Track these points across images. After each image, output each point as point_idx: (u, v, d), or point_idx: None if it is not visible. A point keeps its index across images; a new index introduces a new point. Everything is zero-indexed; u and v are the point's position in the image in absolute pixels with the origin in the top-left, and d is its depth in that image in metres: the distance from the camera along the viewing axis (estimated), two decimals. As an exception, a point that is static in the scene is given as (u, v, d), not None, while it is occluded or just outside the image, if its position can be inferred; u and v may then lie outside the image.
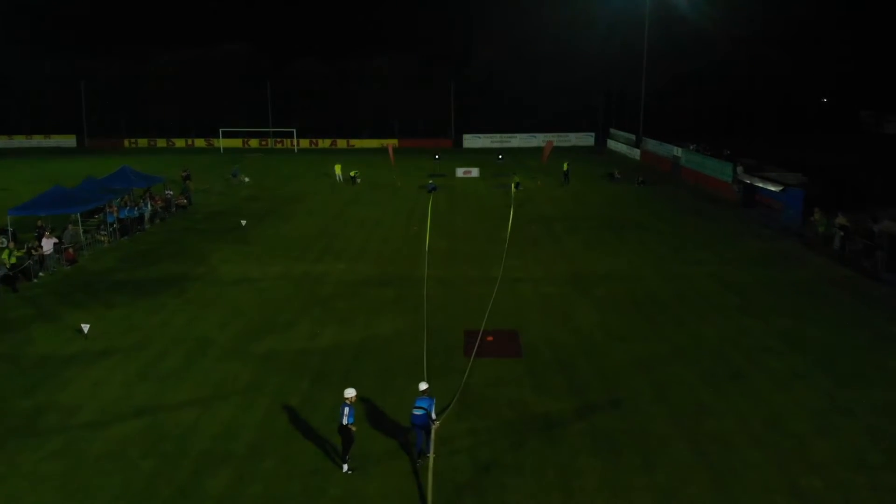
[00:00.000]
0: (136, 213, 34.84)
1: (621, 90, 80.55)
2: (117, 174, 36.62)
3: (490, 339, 20.12)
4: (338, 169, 52.03)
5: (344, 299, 23.91)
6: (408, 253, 30.30)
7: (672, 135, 61.35)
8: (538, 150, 68.50)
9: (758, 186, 37.53)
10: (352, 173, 50.93)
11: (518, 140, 77.34)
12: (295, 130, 76.84)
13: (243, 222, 35.94)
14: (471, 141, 78.42)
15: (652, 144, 61.45)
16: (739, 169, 41.59)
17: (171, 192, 40.09)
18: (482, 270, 27.42)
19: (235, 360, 18.93)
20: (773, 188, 35.38)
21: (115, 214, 33.31)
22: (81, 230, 31.05)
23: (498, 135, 78.12)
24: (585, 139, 79.36)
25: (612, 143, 74.56)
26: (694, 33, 74.27)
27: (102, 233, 32.48)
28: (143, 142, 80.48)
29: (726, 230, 34.71)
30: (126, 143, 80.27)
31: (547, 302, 23.56)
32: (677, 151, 53.35)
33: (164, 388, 17.31)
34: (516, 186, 46.45)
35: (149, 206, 36.40)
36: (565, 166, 50.33)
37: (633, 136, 68.57)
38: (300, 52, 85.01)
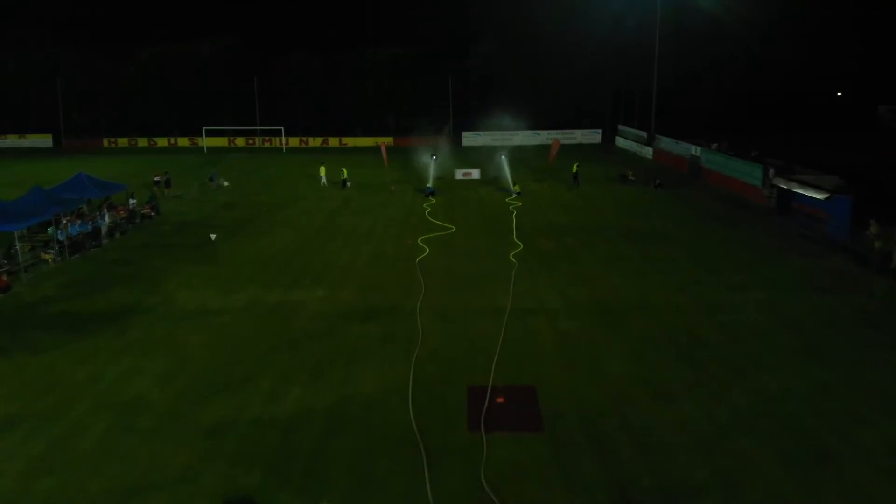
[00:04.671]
0: (89, 227, 30.45)
1: (629, 85, 76.21)
2: (71, 182, 32.23)
3: (500, 400, 15.84)
4: (322, 171, 47.65)
5: (319, 340, 19.59)
6: (400, 275, 25.96)
7: (682, 132, 57.19)
8: (541, 147, 64.25)
9: (796, 192, 33.21)
10: (343, 176, 46.61)
11: (520, 138, 72.75)
12: (283, 129, 72.43)
13: (213, 236, 31.58)
14: (470, 139, 74.06)
15: (666, 143, 57.10)
16: (771, 172, 37.28)
17: (135, 202, 35.74)
18: (487, 298, 23.12)
19: (171, 435, 14.62)
20: (816, 195, 31.07)
21: (65, 230, 28.95)
22: (20, 249, 26.70)
23: (499, 132, 73.64)
24: (591, 136, 75.02)
25: (620, 141, 70.20)
26: (703, 26, 69.92)
27: (48, 251, 28.12)
28: (123, 141, 76.09)
29: (764, 244, 30.41)
30: (105, 142, 75.90)
31: (568, 343, 19.25)
32: (696, 151, 49.02)
33: (71, 480, 13.02)
34: (517, 194, 42.20)
35: (106, 218, 32.03)
36: (574, 168, 46.04)
37: (643, 134, 64.17)
38: (289, 45, 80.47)
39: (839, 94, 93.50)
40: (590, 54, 73.83)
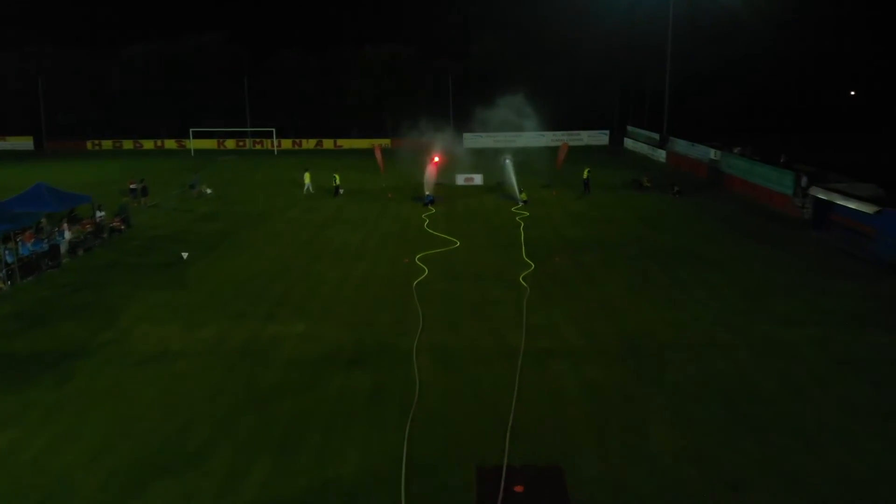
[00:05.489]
0: (45, 245, 27.01)
1: (638, 84, 72.71)
2: (27, 194, 28.63)
3: (519, 489, 12.43)
4: (307, 178, 44.16)
5: (294, 395, 16.15)
6: (395, 303, 22.55)
7: (694, 133, 53.90)
8: (546, 149, 60.87)
9: (837, 204, 29.77)
10: (335, 182, 43.15)
11: (524, 139, 69.22)
12: (274, 130, 68.95)
13: (184, 255, 28.12)
14: (472, 140, 70.48)
15: (681, 145, 53.62)
16: (804, 180, 33.87)
17: (103, 214, 32.29)
18: (496, 334, 19.71)
19: (91, 544, 11.23)
20: (862, 208, 27.63)
21: (15, 251, 25.50)
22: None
23: (502, 134, 70.06)
24: (599, 138, 71.58)
25: (629, 143, 66.77)
26: (715, 23, 66.33)
27: (-5, 275, 24.68)
28: (107, 144, 72.62)
29: (805, 264, 26.98)
30: (89, 145, 72.43)
31: (598, 400, 15.81)
32: (715, 154, 45.58)
33: None
34: (524, 202, 38.94)
35: (66, 234, 28.59)
36: (585, 174, 42.59)
37: (655, 136, 60.63)
38: (282, 42, 76.98)
39: (852, 93, 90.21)
40: (596, 51, 70.36)
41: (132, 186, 40.38)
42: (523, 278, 24.95)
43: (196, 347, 19.06)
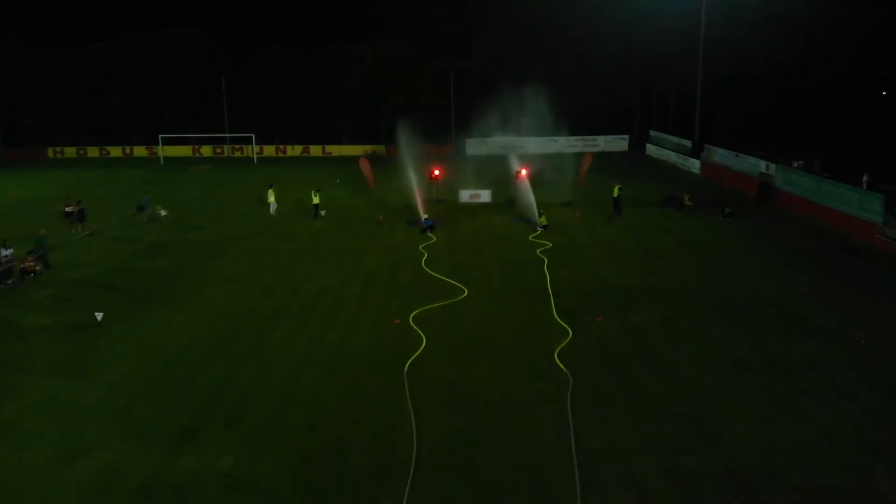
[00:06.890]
0: None
1: (662, 84, 65.63)
2: None
3: None
4: (271, 196, 37.08)
5: None
6: (376, 407, 15.54)
7: (725, 139, 47.12)
8: (559, 156, 53.81)
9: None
10: (314, 201, 36.09)
11: (533, 145, 62.13)
12: (253, 136, 61.79)
13: (98, 317, 21.00)
14: (475, 146, 63.34)
15: (720, 155, 46.35)
16: (900, 204, 26.91)
17: (11, 252, 25.22)
18: (533, 475, 12.82)
19: None
20: None
21: None
22: None
23: (508, 139, 62.74)
24: (617, 144, 64.43)
25: (653, 150, 59.53)
26: (738, 20, 59.19)
27: None
28: (70, 151, 65.41)
29: (937, 326, 19.99)
30: (50, 152, 65.28)
31: None
32: (767, 168, 38.46)
33: None
34: (543, 227, 32.17)
35: (-56, 285, 21.57)
36: (616, 191, 35.56)
37: (687, 143, 53.36)
38: (264, 38, 70.05)
39: (884, 92, 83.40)
40: (616, 47, 63.31)
41: (67, 209, 33.36)
42: (559, 354, 17.98)
43: (62, 501, 12.04)
